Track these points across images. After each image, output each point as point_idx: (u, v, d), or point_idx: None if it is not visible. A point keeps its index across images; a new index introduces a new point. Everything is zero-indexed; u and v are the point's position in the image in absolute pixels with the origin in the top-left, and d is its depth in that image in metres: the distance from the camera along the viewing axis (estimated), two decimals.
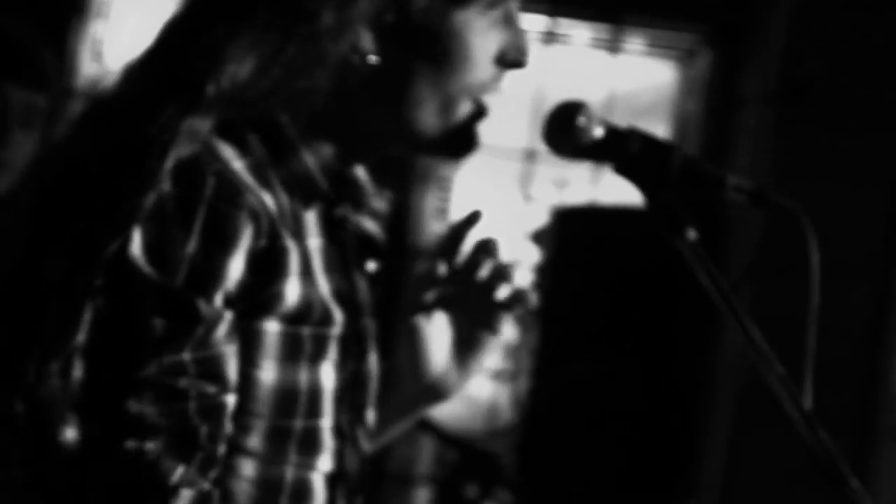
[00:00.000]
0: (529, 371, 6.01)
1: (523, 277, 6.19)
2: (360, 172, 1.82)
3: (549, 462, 4.92)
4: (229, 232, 1.54)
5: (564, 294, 5.09)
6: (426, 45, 1.67)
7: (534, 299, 1.92)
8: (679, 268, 5.04)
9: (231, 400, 1.57)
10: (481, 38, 1.69)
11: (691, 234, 1.83)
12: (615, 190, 6.20)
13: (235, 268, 1.54)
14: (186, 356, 1.52)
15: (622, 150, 1.84)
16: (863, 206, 4.21)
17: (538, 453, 5.00)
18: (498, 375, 6.16)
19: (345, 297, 1.69)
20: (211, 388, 1.54)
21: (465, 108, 1.72)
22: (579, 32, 6.07)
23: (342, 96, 1.66)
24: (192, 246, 1.52)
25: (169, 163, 1.51)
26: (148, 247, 1.51)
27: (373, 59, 1.65)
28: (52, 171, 1.60)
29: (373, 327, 1.76)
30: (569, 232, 5.16)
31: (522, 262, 6.23)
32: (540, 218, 6.25)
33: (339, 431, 1.70)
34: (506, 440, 6.09)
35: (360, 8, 1.62)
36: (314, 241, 1.66)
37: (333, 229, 1.72)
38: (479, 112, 1.74)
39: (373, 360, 1.76)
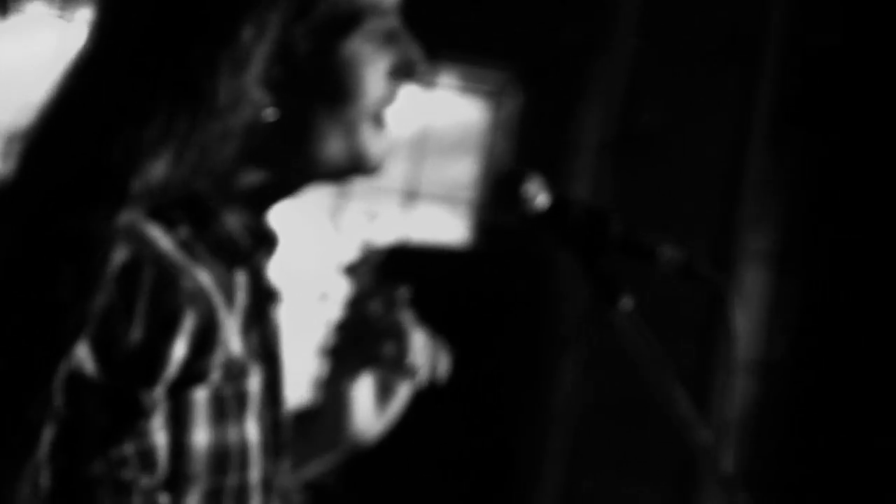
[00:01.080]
0: None
1: (335, 311, 6.13)
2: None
3: (372, 500, 4.92)
4: (171, 319, 1.54)
5: None
6: (319, 86, 1.70)
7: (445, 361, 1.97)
8: (499, 306, 5.09)
9: (166, 499, 1.58)
10: (371, 64, 1.72)
11: (626, 302, 1.87)
12: (425, 225, 6.31)
13: (178, 352, 1.55)
14: (129, 449, 1.53)
15: (564, 218, 1.87)
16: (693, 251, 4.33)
17: (360, 488, 5.00)
18: None
19: (262, 348, 1.71)
20: (151, 480, 1.55)
21: (366, 128, 1.74)
22: None
23: (249, 155, 1.67)
24: (135, 336, 1.51)
25: (111, 265, 1.49)
26: (91, 344, 1.49)
27: (271, 113, 1.67)
28: None
29: (279, 375, 1.77)
30: (388, 269, 5.18)
31: (334, 295, 6.24)
32: (351, 251, 6.28)
33: (266, 484, 1.71)
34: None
35: (252, 72, 1.63)
36: (239, 302, 1.68)
37: (252, 283, 1.74)
38: (380, 128, 1.76)
39: (284, 408, 1.78)
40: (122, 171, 1.54)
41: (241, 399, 1.66)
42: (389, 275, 5.14)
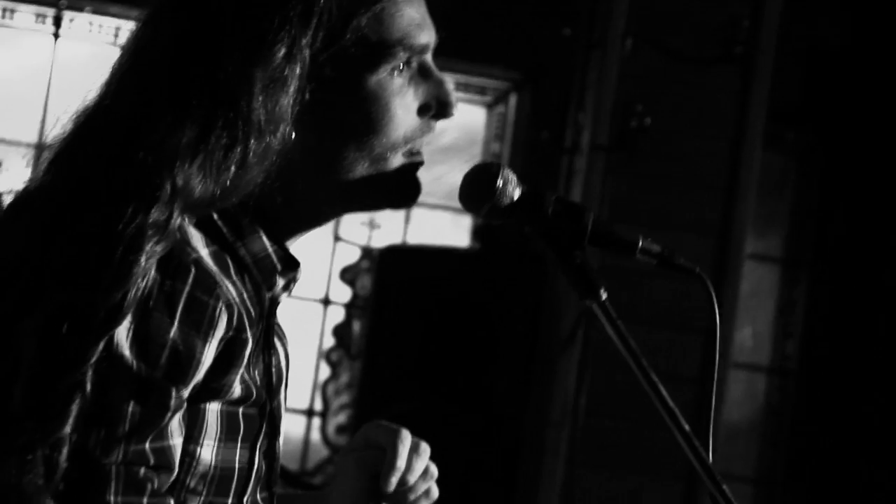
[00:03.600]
0: (350, 409, 6.03)
1: (337, 315, 6.10)
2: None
3: None
4: (208, 322, 1.55)
5: (385, 332, 5.11)
6: (346, 116, 1.69)
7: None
8: (500, 309, 5.08)
9: (172, 502, 1.58)
10: (399, 98, 1.70)
11: (602, 293, 1.86)
12: (424, 231, 6.32)
13: (209, 357, 1.56)
14: (147, 445, 1.53)
15: (538, 211, 1.86)
16: (690, 252, 4.31)
17: None
18: (310, 413, 6.16)
19: (265, 378, 1.71)
20: (164, 479, 1.56)
21: (396, 161, 1.72)
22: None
23: (280, 180, 1.66)
24: (173, 333, 1.53)
25: (143, 258, 1.52)
26: (132, 335, 1.51)
27: (300, 139, 1.66)
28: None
29: (280, 408, 1.76)
30: (389, 271, 5.18)
31: (334, 300, 6.26)
32: (350, 257, 6.30)
33: None
34: (320, 477, 6.09)
35: (289, 95, 1.63)
36: (256, 327, 1.66)
37: (268, 309, 1.72)
38: (414, 162, 1.75)
39: (280, 440, 1.77)
40: (152, 173, 1.55)
41: (251, 423, 1.67)
42: (391, 277, 5.14)
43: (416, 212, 6.20)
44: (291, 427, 6.06)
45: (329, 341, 6.21)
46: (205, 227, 1.64)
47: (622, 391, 4.26)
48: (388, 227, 6.24)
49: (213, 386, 1.58)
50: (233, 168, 1.60)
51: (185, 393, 1.55)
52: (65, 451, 1.48)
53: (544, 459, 4.55)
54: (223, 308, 1.56)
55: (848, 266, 5.95)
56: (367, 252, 6.23)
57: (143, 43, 1.68)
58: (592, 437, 4.45)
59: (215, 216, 1.65)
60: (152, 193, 1.54)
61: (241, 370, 1.60)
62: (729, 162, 4.51)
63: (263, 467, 1.71)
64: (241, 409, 1.64)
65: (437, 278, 5.05)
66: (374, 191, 1.73)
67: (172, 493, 1.58)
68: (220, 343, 1.56)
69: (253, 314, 1.64)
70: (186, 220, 1.59)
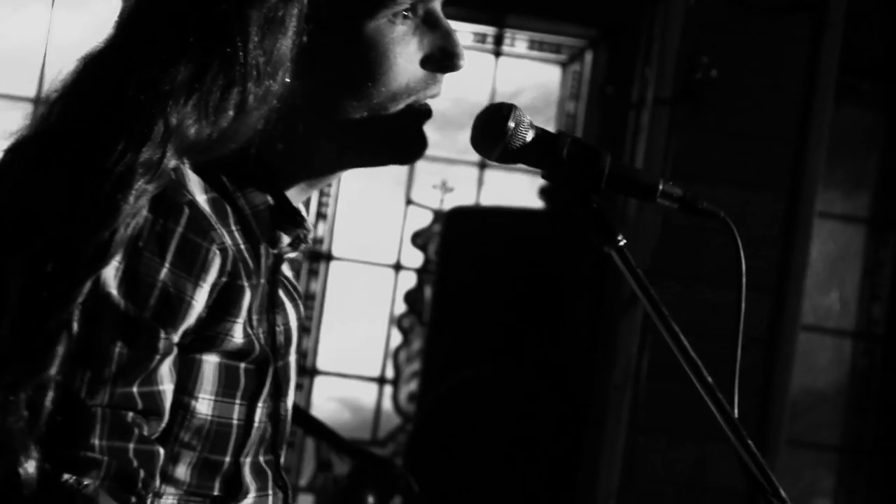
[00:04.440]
0: (417, 376, 5.96)
1: (408, 281, 6.05)
2: (301, 207, 1.78)
3: (438, 469, 4.88)
4: (200, 265, 1.52)
5: (451, 295, 5.05)
6: (344, 62, 1.62)
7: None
8: (567, 270, 5.00)
9: (161, 451, 1.54)
10: (401, 46, 1.63)
11: (620, 239, 1.77)
12: (498, 194, 6.23)
13: (200, 301, 1.52)
14: (135, 389, 1.49)
15: (552, 154, 1.77)
16: (758, 210, 4.20)
17: (426, 459, 4.96)
18: (382, 381, 6.10)
19: (270, 337, 1.66)
20: (153, 426, 1.52)
21: (398, 115, 1.65)
22: (462, 32, 6.05)
23: (281, 128, 1.61)
24: (163, 274, 1.49)
25: (132, 196, 1.48)
26: (121, 274, 1.48)
27: (295, 85, 1.60)
28: None
29: (288, 369, 1.72)
30: (455, 233, 5.11)
31: (406, 265, 6.18)
32: (422, 221, 6.22)
33: (259, 471, 1.67)
34: (391, 446, 6.04)
35: (288, 38, 1.58)
36: (255, 280, 1.62)
37: (272, 265, 1.68)
38: (420, 113, 1.68)
39: (287, 402, 1.72)
40: (144, 111, 1.52)
41: (254, 380, 1.62)
42: (457, 239, 5.07)
43: (490, 174, 6.11)
44: (362, 395, 6.02)
45: (400, 307, 6.15)
46: (205, 174, 1.59)
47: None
48: (460, 191, 6.15)
49: (208, 334, 1.54)
50: (230, 111, 1.55)
51: (175, 337, 1.51)
52: (50, 393, 1.44)
53: (607, 424, 4.46)
54: (216, 251, 1.52)
55: None
56: (438, 216, 6.14)
57: None
58: (655, 401, 4.35)
59: (216, 164, 1.60)
60: (144, 131, 1.51)
61: (241, 321, 1.56)
62: (799, 115, 4.37)
63: (268, 429, 1.66)
64: (242, 365, 1.60)
65: (503, 240, 4.98)
66: (376, 142, 1.66)
67: (164, 444, 1.54)
68: (212, 288, 1.53)
69: (251, 265, 1.59)
70: (186, 164, 1.56)
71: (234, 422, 1.61)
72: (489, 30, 6.04)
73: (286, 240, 1.68)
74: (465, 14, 6.01)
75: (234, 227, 1.60)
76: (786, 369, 4.26)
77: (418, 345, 6.09)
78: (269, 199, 1.65)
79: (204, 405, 1.57)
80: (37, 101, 5.81)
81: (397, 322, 6.14)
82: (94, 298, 1.46)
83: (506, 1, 5.94)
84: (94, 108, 1.54)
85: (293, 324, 1.72)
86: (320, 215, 5.98)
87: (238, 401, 1.61)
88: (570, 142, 1.75)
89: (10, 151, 1.60)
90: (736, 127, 4.44)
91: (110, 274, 1.46)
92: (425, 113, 1.68)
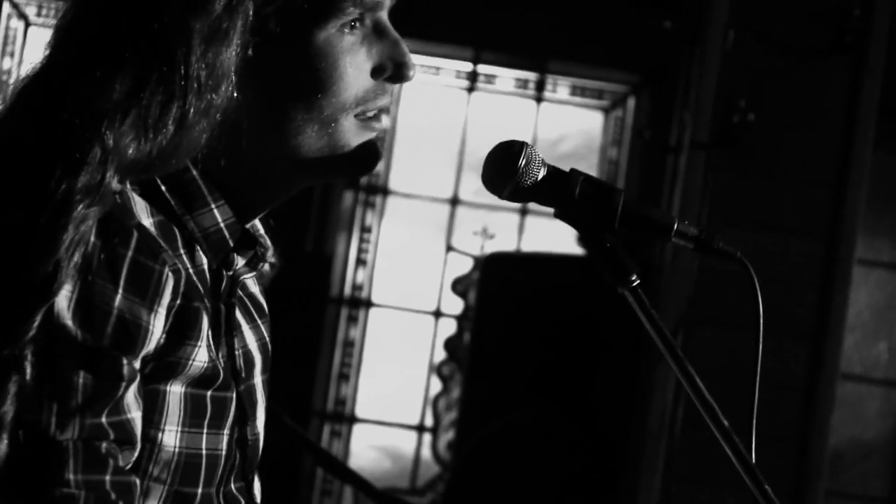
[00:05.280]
0: (455, 424, 5.92)
1: (448, 328, 5.99)
2: (258, 225, 1.75)
3: None
4: (153, 288, 1.47)
5: (489, 342, 5.01)
6: (292, 74, 1.59)
7: None
8: (605, 317, 4.95)
9: (138, 482, 1.50)
10: (349, 55, 1.60)
11: (633, 278, 1.73)
12: (539, 240, 6.20)
13: (158, 326, 1.48)
14: (104, 419, 1.45)
15: (564, 192, 1.73)
16: (797, 254, 4.15)
17: None
18: (421, 429, 6.06)
19: (230, 361, 1.62)
20: (126, 456, 1.48)
21: (349, 126, 1.62)
22: (503, 78, 6.04)
23: (228, 144, 1.58)
24: (118, 301, 1.45)
25: (73, 224, 1.44)
26: (74, 304, 1.44)
27: (241, 98, 1.57)
28: None
29: (253, 392, 1.68)
30: (493, 278, 5.08)
31: (446, 312, 6.15)
32: (463, 268, 6.19)
33: (231, 499, 1.63)
34: (430, 495, 5.99)
35: (230, 50, 1.54)
36: (212, 303, 1.59)
37: (227, 288, 1.64)
38: (369, 124, 1.64)
39: (256, 426, 1.69)
40: (80, 132, 1.47)
41: (219, 407, 1.59)
42: (495, 285, 5.04)
43: (531, 220, 6.08)
44: (401, 443, 5.98)
45: (440, 354, 6.11)
46: (150, 196, 1.54)
47: (722, 402, 4.05)
48: (501, 237, 6.12)
49: (169, 360, 1.50)
50: (170, 127, 1.50)
51: (137, 363, 1.46)
52: (4, 433, 1.40)
53: (642, 472, 4.40)
54: (169, 273, 1.48)
55: None
56: (479, 262, 6.11)
57: (77, 7, 1.57)
58: (690, 450, 4.29)
59: (162, 186, 1.55)
60: (80, 155, 1.45)
61: (201, 344, 1.52)
62: (838, 159, 4.31)
63: (236, 455, 1.62)
64: (208, 393, 1.55)
65: (541, 286, 4.94)
66: (321, 156, 1.62)
67: (136, 473, 1.50)
68: (168, 311, 1.48)
69: (203, 288, 1.55)
70: (128, 186, 1.51)
71: (203, 452, 1.57)
72: (531, 75, 6.03)
73: (241, 261, 1.64)
74: (507, 60, 6.01)
75: (182, 251, 1.55)
76: (824, 419, 4.19)
77: (458, 392, 6.05)
78: (220, 220, 1.60)
79: (171, 437, 1.54)
80: None
81: (437, 369, 6.10)
82: (49, 330, 1.42)
83: (547, 47, 5.92)
84: (30, 133, 1.49)
85: (252, 345, 1.68)
86: (360, 261, 5.97)
87: (206, 430, 1.57)
88: (581, 180, 1.72)
89: None
90: (774, 170, 4.39)
91: (63, 305, 1.42)
92: (378, 126, 1.65)
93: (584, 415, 4.77)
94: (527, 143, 1.73)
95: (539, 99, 6.05)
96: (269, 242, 1.71)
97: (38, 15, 6.07)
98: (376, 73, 1.63)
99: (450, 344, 6.11)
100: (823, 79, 4.37)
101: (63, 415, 1.42)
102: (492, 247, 6.09)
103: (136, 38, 1.51)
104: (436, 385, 6.08)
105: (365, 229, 5.99)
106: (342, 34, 1.60)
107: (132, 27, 1.51)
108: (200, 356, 1.53)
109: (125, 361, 1.45)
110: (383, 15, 1.64)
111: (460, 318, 6.13)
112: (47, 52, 1.57)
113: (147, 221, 1.53)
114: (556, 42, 5.89)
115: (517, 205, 5.76)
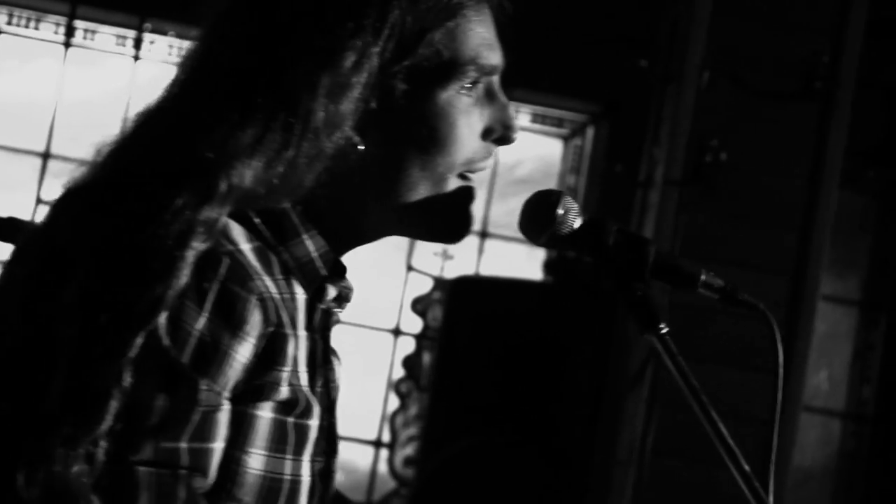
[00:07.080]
0: (416, 442, 5.98)
1: (407, 346, 6.06)
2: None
3: None
4: (238, 315, 1.53)
5: (454, 364, 5.07)
6: (412, 129, 1.66)
7: None
8: (571, 342, 5.03)
9: None
10: (465, 117, 1.68)
11: (663, 327, 1.82)
12: (497, 263, 6.28)
13: (243, 354, 1.53)
14: (183, 444, 1.49)
15: (599, 241, 1.82)
16: (764, 292, 4.24)
17: None
18: (378, 444, 6.12)
19: (325, 392, 1.67)
20: (197, 485, 1.51)
21: (452, 184, 1.69)
22: None
23: (334, 186, 1.64)
24: (201, 323, 1.50)
25: (190, 254, 1.50)
26: (168, 321, 1.49)
27: (361, 147, 1.64)
28: (39, 257, 1.56)
29: (336, 426, 1.73)
30: (460, 302, 5.14)
31: (405, 331, 6.22)
32: (422, 287, 6.27)
33: None
34: None
35: (350, 101, 1.61)
36: (302, 331, 1.63)
37: (318, 320, 1.69)
38: (469, 191, 1.72)
39: (338, 458, 1.73)
40: (211, 170, 1.55)
41: (301, 434, 1.62)
42: (462, 308, 5.10)
43: (490, 244, 6.15)
44: (358, 458, 6.03)
45: (399, 372, 6.18)
46: (245, 223, 1.61)
47: (691, 431, 4.15)
48: (460, 258, 6.20)
49: (257, 384, 1.54)
50: (280, 168, 1.58)
51: (222, 391, 1.51)
52: (103, 447, 1.45)
53: (610, 499, 4.48)
54: (256, 302, 1.54)
55: None
56: (439, 283, 6.19)
57: (209, 46, 1.67)
58: (659, 478, 4.38)
59: (255, 218, 1.63)
60: (208, 190, 1.54)
61: (287, 370, 1.57)
62: (805, 200, 4.43)
63: (319, 487, 1.67)
64: (290, 419, 1.60)
65: (507, 311, 5.00)
66: (428, 215, 1.69)
67: (215, 500, 1.54)
68: (259, 338, 1.53)
69: (296, 316, 1.61)
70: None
71: (286, 477, 1.61)
72: None
73: (332, 293, 1.69)
74: None
75: (278, 277, 1.61)
76: (787, 451, 4.30)
77: (415, 410, 6.13)
78: (312, 249, 1.67)
79: (256, 460, 1.57)
80: (46, 155, 5.84)
81: (395, 386, 6.17)
82: (146, 350, 1.47)
83: (509, 75, 6.01)
84: (154, 161, 1.57)
85: (338, 383, 1.74)
86: None
87: (289, 456, 1.60)
88: (615, 230, 1.80)
89: (67, 194, 1.63)
90: (743, 210, 4.49)
91: (162, 325, 1.48)
92: (472, 188, 1.72)
93: (547, 440, 4.83)
94: (563, 193, 1.82)
95: None
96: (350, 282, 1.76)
97: (10, 24, 6.08)
98: (486, 134, 1.71)
99: (408, 362, 6.18)
100: (793, 123, 4.48)
101: (138, 434, 1.47)
102: (451, 267, 6.16)
103: (268, 90, 1.59)
104: (394, 402, 6.15)
105: None
106: (461, 95, 1.68)
107: (264, 77, 1.60)
108: (287, 382, 1.57)
109: (203, 386, 1.49)
110: (496, 79, 1.73)
111: (419, 337, 6.21)
112: (174, 88, 1.66)
113: (245, 246, 1.59)
114: (519, 71, 5.98)
115: (475, 227, 5.83)
